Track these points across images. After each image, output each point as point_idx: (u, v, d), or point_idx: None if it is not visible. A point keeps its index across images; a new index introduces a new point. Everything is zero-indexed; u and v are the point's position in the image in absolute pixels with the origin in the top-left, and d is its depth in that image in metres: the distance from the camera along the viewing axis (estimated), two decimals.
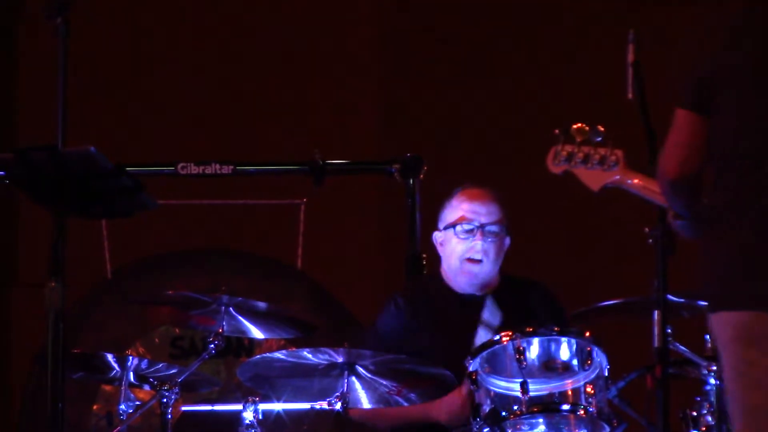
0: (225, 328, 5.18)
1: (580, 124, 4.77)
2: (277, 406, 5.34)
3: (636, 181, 4.63)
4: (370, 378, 5.06)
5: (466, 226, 5.70)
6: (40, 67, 7.93)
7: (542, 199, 7.53)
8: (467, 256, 5.66)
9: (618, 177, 4.85)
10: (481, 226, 5.78)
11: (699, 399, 5.01)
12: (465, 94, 8.46)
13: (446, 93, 8.38)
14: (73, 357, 5.19)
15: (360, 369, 5.01)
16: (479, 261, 5.69)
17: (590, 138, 4.82)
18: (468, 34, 8.82)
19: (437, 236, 5.96)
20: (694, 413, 5.00)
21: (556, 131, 5.05)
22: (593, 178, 4.47)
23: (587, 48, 7.98)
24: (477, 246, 5.71)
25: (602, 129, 4.77)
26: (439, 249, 5.89)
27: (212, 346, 5.10)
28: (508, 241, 5.93)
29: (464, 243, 5.71)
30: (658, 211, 4.65)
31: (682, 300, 4.94)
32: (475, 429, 4.94)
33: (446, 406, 5.33)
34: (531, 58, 8.82)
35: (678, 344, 4.95)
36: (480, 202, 5.87)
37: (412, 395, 5.19)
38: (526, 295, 5.79)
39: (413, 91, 8.38)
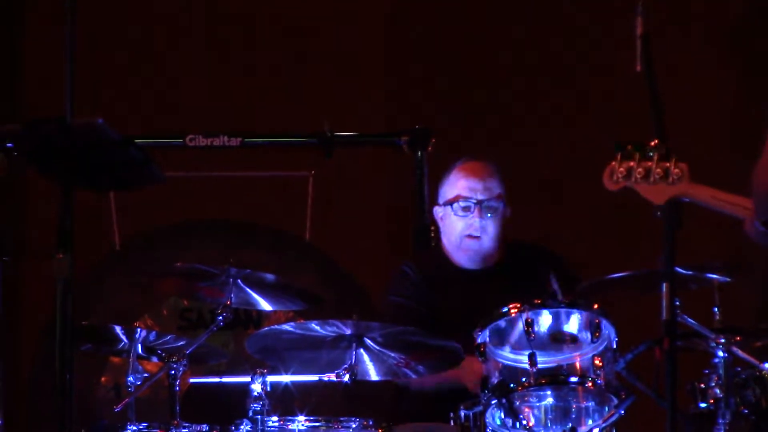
0: (233, 300, 5.19)
1: (637, 141, 4.77)
2: (286, 379, 5.34)
3: (704, 192, 4.63)
4: (378, 350, 5.09)
5: (463, 204, 5.79)
6: (47, 38, 7.89)
7: (551, 171, 7.49)
8: (466, 233, 5.75)
9: (683, 190, 4.87)
10: (479, 203, 5.85)
11: (707, 372, 5.00)
12: (477, 67, 8.33)
13: (457, 65, 8.23)
14: (81, 329, 5.21)
15: (368, 341, 5.04)
16: (478, 237, 5.70)
17: (650, 153, 4.82)
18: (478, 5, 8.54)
19: (437, 211, 6.02)
20: (702, 386, 5.00)
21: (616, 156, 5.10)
22: (656, 193, 4.40)
23: (596, 21, 8.08)
24: (476, 223, 5.81)
25: (661, 143, 4.76)
26: (440, 223, 5.97)
27: (220, 318, 5.13)
28: (508, 211, 5.95)
29: (463, 220, 5.80)
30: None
31: (690, 272, 4.91)
32: (483, 401, 4.93)
33: (473, 375, 5.29)
34: (538, 31, 8.58)
35: (686, 317, 4.90)
36: (477, 178, 5.91)
37: (420, 367, 5.21)
38: (535, 263, 5.81)
39: (423, 63, 8.28)
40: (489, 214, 5.81)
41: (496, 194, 5.83)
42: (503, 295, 5.37)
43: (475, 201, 5.80)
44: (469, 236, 5.72)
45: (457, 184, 5.88)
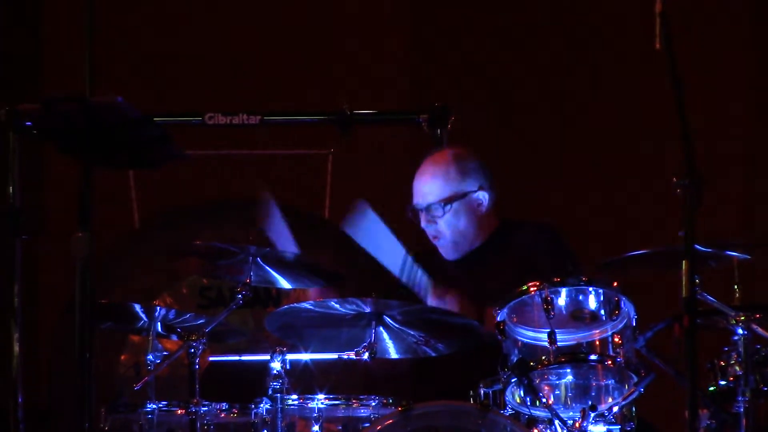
0: (252, 278, 5.18)
1: None
2: (305, 356, 5.37)
3: None
4: (397, 328, 5.09)
5: (414, 210, 5.72)
6: (65, 16, 7.91)
7: (569, 148, 7.45)
8: (429, 235, 5.71)
9: None
10: (424, 209, 5.77)
11: (727, 349, 4.98)
12: (493, 47, 8.23)
13: (476, 45, 8.16)
14: (101, 307, 5.21)
15: (387, 319, 5.04)
16: (437, 238, 5.71)
17: None
18: None
19: None
20: (722, 363, 4.99)
21: None
22: None
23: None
24: (429, 230, 5.78)
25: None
26: None
27: (240, 296, 5.11)
28: (475, 200, 5.84)
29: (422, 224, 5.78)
30: (685, 160, 4.55)
31: (710, 250, 4.87)
32: (503, 379, 4.93)
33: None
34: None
35: (706, 294, 4.86)
36: (420, 181, 5.86)
37: (440, 345, 5.20)
38: (524, 241, 5.77)
39: (442, 42, 8.24)
40: (438, 217, 5.76)
41: (440, 198, 5.75)
42: (477, 284, 5.56)
43: (420, 207, 5.77)
44: (434, 237, 5.72)
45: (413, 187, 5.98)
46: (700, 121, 6.81)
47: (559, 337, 4.78)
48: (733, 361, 5.00)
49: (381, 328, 5.08)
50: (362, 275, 5.60)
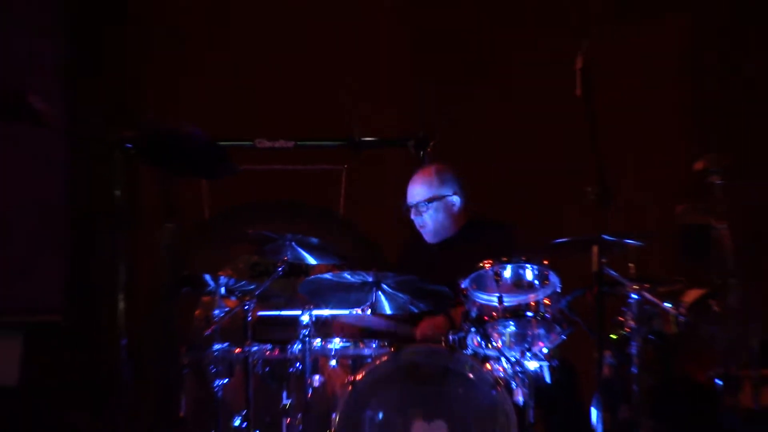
0: (289, 256, 5.45)
1: None
2: (326, 312, 5.50)
3: None
4: (391, 292, 5.36)
5: (404, 206, 6.04)
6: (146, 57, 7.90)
7: (530, 167, 7.23)
8: (417, 225, 6.04)
9: None
10: (414, 206, 6.02)
11: (625, 309, 5.29)
12: (478, 80, 7.88)
13: (463, 74, 7.88)
14: (182, 277, 5.58)
15: (384, 286, 5.32)
16: (423, 227, 6.02)
17: None
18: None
19: None
20: (621, 319, 5.33)
21: None
22: None
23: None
24: (417, 220, 6.04)
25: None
26: None
27: (280, 269, 5.42)
28: (449, 202, 6.04)
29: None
30: (598, 177, 4.91)
31: (613, 239, 5.13)
32: (465, 329, 5.25)
33: (421, 329, 5.67)
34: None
35: (610, 269, 5.13)
36: (411, 186, 6.08)
37: (422, 304, 5.44)
38: (487, 234, 5.98)
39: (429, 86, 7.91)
40: (423, 212, 6.00)
41: (425, 198, 5.99)
42: (450, 262, 5.71)
43: (410, 204, 6.02)
44: (420, 226, 6.01)
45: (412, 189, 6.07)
46: (632, 137, 6.85)
47: (505, 299, 5.15)
48: (629, 318, 5.29)
49: (379, 293, 5.37)
50: (366, 256, 5.87)
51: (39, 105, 4.25)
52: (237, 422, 5.35)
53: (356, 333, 5.62)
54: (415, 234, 6.08)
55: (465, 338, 5.26)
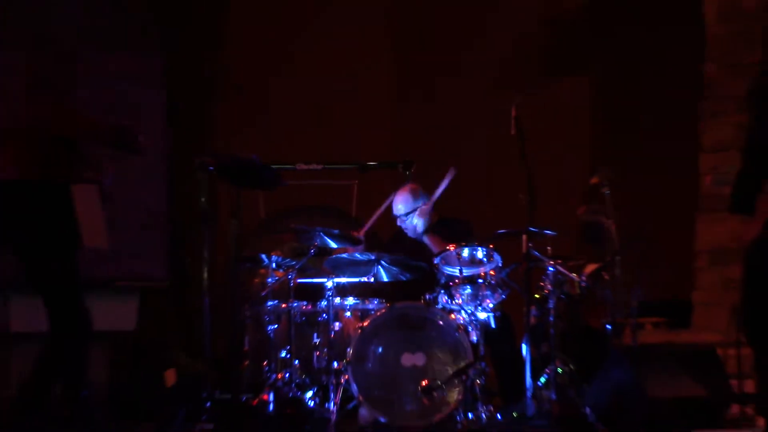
0: (318, 242, 5.35)
1: None
2: (343, 280, 5.42)
3: None
4: (387, 266, 5.37)
5: (394, 216, 5.87)
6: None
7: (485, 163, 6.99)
8: (402, 227, 5.86)
9: None
10: (398, 217, 5.84)
11: (544, 278, 5.33)
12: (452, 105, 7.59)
13: (436, 118, 7.54)
14: (245, 257, 5.50)
15: (382, 262, 5.33)
16: (406, 229, 5.84)
17: None
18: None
19: None
20: (542, 284, 5.37)
21: None
22: None
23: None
24: (401, 224, 5.87)
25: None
26: None
27: (312, 251, 5.33)
28: (423, 211, 5.79)
29: None
30: (528, 186, 5.13)
31: (536, 230, 5.15)
32: (437, 290, 5.24)
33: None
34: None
35: (534, 251, 5.23)
36: (394, 203, 5.87)
37: (407, 274, 5.43)
38: (451, 228, 5.79)
39: (413, 114, 7.73)
40: (403, 222, 5.82)
41: (403, 212, 5.79)
42: (427, 246, 5.70)
43: (395, 215, 5.84)
44: (404, 228, 5.83)
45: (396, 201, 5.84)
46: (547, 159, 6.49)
47: (464, 271, 5.19)
48: (547, 283, 5.33)
49: (379, 266, 5.38)
50: (370, 243, 5.73)
51: (144, 142, 4.38)
52: (283, 354, 5.28)
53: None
54: (401, 230, 5.97)
55: (436, 297, 5.25)
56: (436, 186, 5.76)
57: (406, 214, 5.80)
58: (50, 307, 3.88)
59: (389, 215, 5.95)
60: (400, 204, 5.83)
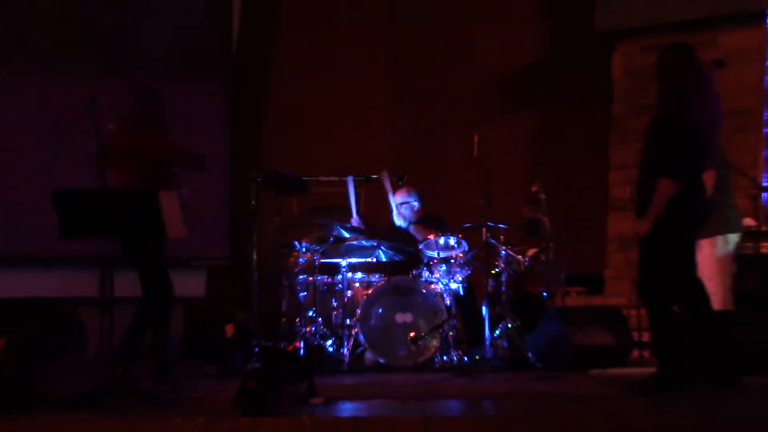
0: (335, 233, 5.29)
1: None
2: (353, 260, 5.36)
3: None
4: (385, 250, 5.37)
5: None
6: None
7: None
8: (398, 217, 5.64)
9: None
10: (396, 206, 5.67)
11: (499, 259, 5.29)
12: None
13: (425, 136, 7.20)
14: (283, 243, 5.35)
15: (382, 247, 5.35)
16: (400, 218, 5.64)
17: None
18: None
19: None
20: (497, 263, 5.32)
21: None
22: None
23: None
24: (398, 215, 5.66)
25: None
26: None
27: (331, 239, 5.27)
28: (413, 206, 5.65)
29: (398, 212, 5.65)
30: (485, 192, 5.07)
31: (492, 225, 5.14)
32: (421, 267, 5.20)
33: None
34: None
35: (492, 240, 5.21)
36: (395, 197, 5.69)
37: (400, 256, 5.40)
38: (432, 222, 5.61)
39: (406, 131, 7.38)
40: (399, 209, 5.63)
41: (400, 203, 5.64)
42: (414, 234, 5.57)
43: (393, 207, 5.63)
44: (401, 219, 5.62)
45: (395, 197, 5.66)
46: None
47: (441, 254, 5.16)
48: (500, 263, 5.28)
49: (379, 250, 5.36)
50: (373, 233, 5.52)
51: (208, 164, 4.34)
52: (309, 314, 5.21)
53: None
54: (394, 223, 5.78)
55: (421, 273, 5.21)
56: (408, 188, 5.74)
57: (401, 205, 5.66)
58: (143, 279, 3.89)
59: (389, 215, 5.81)
60: (398, 197, 5.67)
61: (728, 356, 3.49)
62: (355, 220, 5.56)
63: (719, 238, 4.22)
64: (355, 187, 5.75)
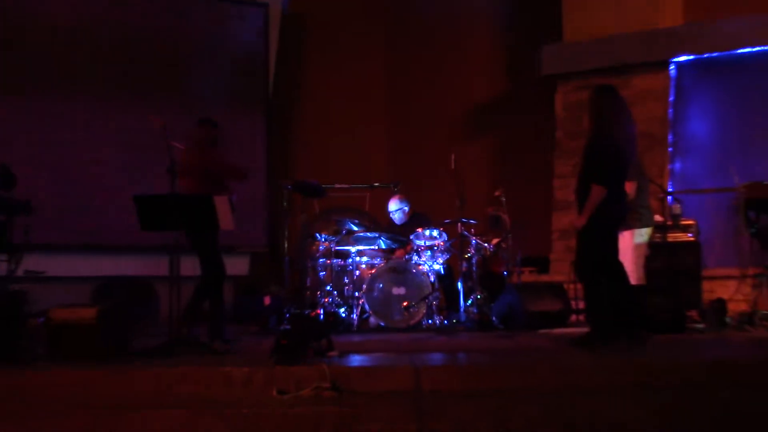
0: (347, 227, 5.16)
1: None
2: (360, 247, 5.23)
3: None
4: (385, 240, 5.19)
5: (387, 212, 5.51)
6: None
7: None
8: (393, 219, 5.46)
9: None
10: (390, 212, 5.51)
11: (470, 246, 5.16)
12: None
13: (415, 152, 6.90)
14: (307, 234, 5.14)
15: (382, 237, 5.16)
16: (395, 219, 5.48)
17: None
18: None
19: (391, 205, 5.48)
20: (469, 249, 5.17)
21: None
22: None
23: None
24: (393, 219, 5.52)
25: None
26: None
27: (344, 231, 5.15)
28: (404, 210, 5.48)
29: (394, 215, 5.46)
30: (459, 197, 4.92)
31: (465, 220, 5.02)
32: (411, 253, 5.10)
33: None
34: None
35: (465, 232, 5.10)
36: (388, 206, 5.53)
37: (396, 244, 5.24)
38: (419, 218, 5.47)
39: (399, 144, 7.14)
40: (393, 214, 5.49)
41: (394, 210, 5.46)
42: (406, 229, 5.38)
43: (388, 211, 5.47)
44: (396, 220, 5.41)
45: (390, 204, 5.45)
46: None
47: (426, 243, 5.05)
48: (471, 249, 5.14)
49: (380, 240, 5.19)
50: (375, 226, 5.42)
51: (251, 176, 4.32)
52: (327, 288, 5.08)
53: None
54: (392, 220, 5.61)
55: (412, 257, 5.11)
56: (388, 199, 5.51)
57: (394, 211, 5.55)
58: (202, 261, 3.87)
59: (387, 215, 5.67)
60: (392, 204, 5.55)
61: (641, 319, 3.52)
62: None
63: (636, 231, 4.23)
64: (363, 192, 5.70)
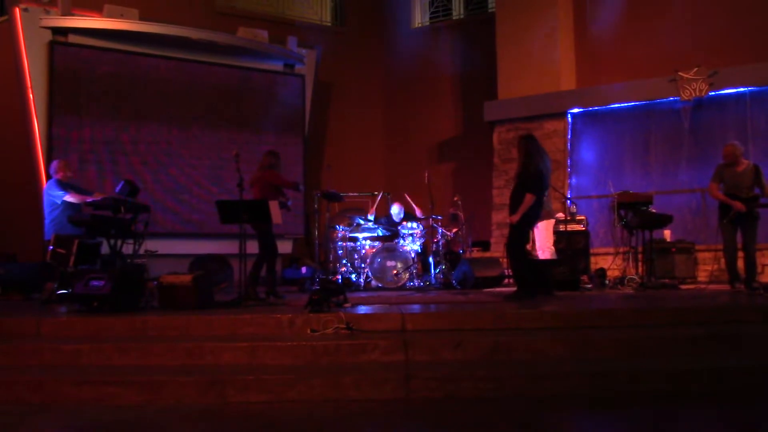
0: (357, 221, 4.98)
1: None
2: (365, 234, 4.98)
3: None
4: (382, 229, 4.98)
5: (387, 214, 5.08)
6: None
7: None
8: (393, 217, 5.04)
9: None
10: (389, 215, 5.07)
11: (437, 234, 4.92)
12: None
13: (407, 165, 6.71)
14: (330, 226, 4.95)
15: (380, 227, 5.01)
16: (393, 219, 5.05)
17: None
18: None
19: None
20: (436, 235, 5.03)
21: None
22: None
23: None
24: (391, 218, 5.05)
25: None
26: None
27: (354, 224, 4.95)
28: (400, 214, 5.09)
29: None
30: (431, 202, 4.85)
31: (434, 217, 4.92)
32: (400, 238, 4.97)
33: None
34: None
35: (434, 224, 4.92)
36: (390, 208, 5.18)
37: (389, 232, 4.94)
38: (406, 216, 5.10)
39: (398, 156, 6.86)
40: (396, 215, 5.06)
41: (394, 213, 5.08)
42: (397, 223, 5.04)
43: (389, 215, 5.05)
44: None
45: (393, 207, 5.10)
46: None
47: (409, 231, 4.85)
48: (438, 236, 4.91)
49: (379, 229, 4.97)
50: (376, 222, 5.06)
51: (301, 188, 4.16)
52: (344, 261, 4.90)
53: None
54: (390, 216, 5.19)
55: (400, 240, 4.90)
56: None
57: (396, 213, 5.18)
58: (261, 243, 3.81)
59: (389, 214, 5.29)
60: (394, 209, 5.20)
61: (550, 281, 3.62)
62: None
63: (547, 222, 4.30)
64: (366, 197, 5.46)
